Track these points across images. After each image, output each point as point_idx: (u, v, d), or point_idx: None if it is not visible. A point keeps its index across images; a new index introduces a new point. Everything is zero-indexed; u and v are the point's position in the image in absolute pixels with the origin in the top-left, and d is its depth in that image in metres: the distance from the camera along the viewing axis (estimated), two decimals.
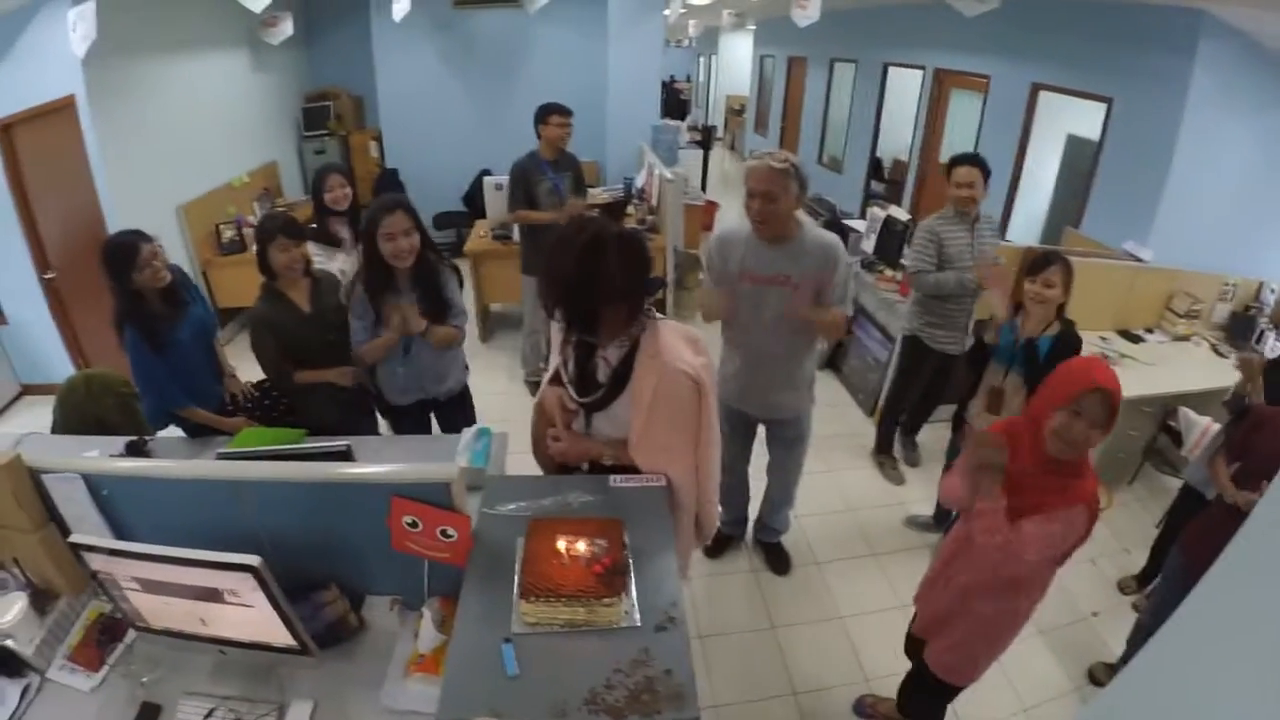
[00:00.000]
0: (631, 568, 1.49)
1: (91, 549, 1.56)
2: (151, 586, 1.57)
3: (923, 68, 7.69)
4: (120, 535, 1.78)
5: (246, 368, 3.05)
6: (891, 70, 8.42)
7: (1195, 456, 3.11)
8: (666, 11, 7.03)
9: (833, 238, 2.59)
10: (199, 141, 5.67)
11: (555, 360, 1.97)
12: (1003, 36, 6.13)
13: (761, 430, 3.10)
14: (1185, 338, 4.32)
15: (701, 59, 19.15)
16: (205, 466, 1.69)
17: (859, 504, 3.87)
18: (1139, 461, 3.97)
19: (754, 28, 14.16)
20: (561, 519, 1.61)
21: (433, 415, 2.99)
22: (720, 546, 3.48)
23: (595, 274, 1.63)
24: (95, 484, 1.74)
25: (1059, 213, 6.13)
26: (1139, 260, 4.44)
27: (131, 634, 1.78)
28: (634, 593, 1.44)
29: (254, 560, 1.44)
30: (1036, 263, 2.74)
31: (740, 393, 2.90)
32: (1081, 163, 5.63)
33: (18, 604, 1.77)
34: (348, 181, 3.73)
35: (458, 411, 3.01)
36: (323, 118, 7.49)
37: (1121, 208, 4.99)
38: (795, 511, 3.44)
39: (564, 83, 6.99)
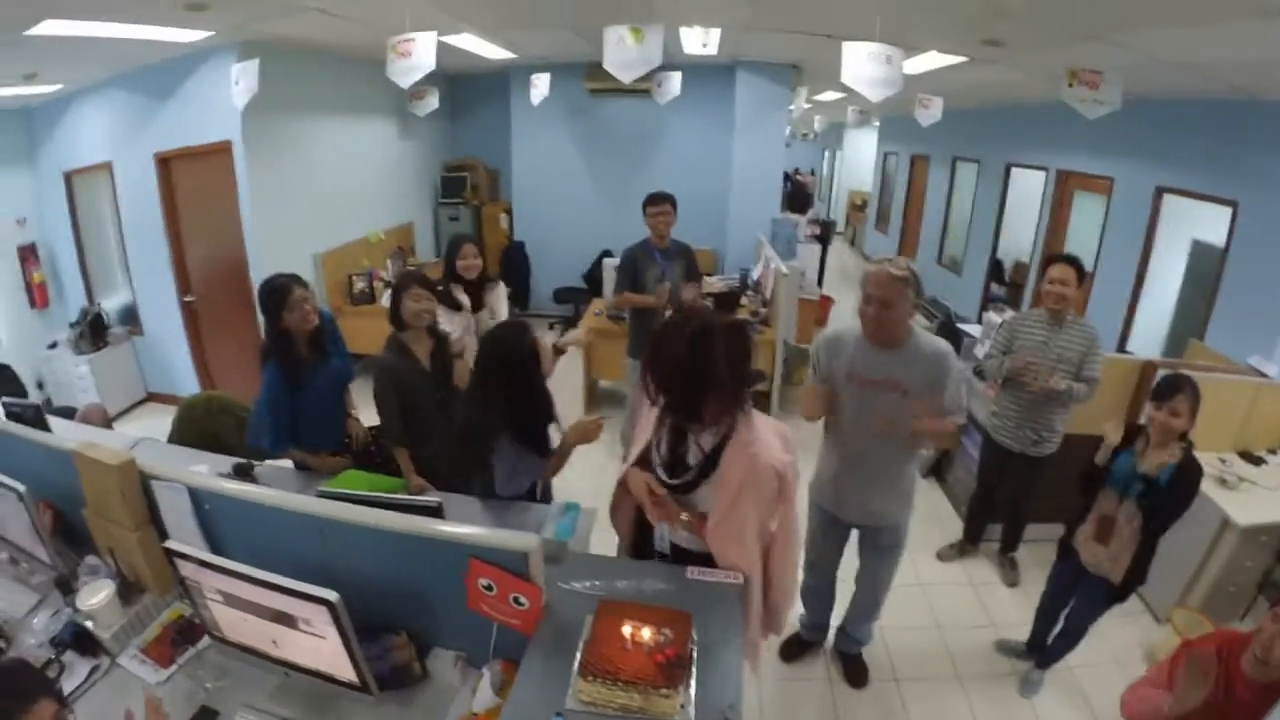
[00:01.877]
0: (695, 662, 1.45)
1: (184, 557, 1.66)
2: (233, 601, 1.66)
3: (1045, 169, 7.50)
4: (213, 548, 1.90)
5: (364, 412, 3.22)
6: (1014, 170, 8.25)
7: None
8: (791, 107, 7.18)
9: (944, 345, 2.52)
10: (342, 196, 6.14)
11: (640, 442, 1.99)
12: (1126, 138, 5.93)
13: (854, 536, 2.98)
14: None
15: (826, 152, 19.33)
16: (301, 501, 1.78)
17: (948, 622, 3.62)
18: (1253, 595, 3.53)
19: (878, 124, 14.23)
20: (632, 604, 1.60)
21: None
22: (798, 651, 3.33)
23: (703, 361, 1.66)
24: (199, 497, 1.87)
25: (1183, 322, 5.72)
26: (1264, 376, 4.08)
27: (206, 641, 1.87)
28: (693, 688, 1.40)
29: (332, 596, 1.50)
30: (1162, 388, 2.56)
31: (836, 495, 2.82)
32: (1207, 270, 5.28)
33: (105, 591, 1.91)
34: (479, 253, 3.90)
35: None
36: (459, 187, 8.01)
37: (1247, 319, 4.63)
38: (880, 623, 3.26)
39: (689, 171, 7.26)
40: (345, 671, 1.62)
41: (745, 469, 1.76)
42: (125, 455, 1.89)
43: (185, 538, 1.90)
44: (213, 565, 1.63)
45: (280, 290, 2.77)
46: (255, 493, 1.86)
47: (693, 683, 1.41)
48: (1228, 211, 4.89)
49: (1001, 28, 4.01)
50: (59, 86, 5.15)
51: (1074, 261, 3.38)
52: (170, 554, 1.69)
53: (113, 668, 1.84)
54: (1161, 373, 3.72)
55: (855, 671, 3.22)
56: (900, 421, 2.49)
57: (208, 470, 2.62)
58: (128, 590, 2.00)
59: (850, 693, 3.16)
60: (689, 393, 1.71)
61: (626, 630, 1.48)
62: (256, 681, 1.81)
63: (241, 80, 4.13)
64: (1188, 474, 2.52)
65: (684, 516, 1.86)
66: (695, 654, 1.47)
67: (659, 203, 4.34)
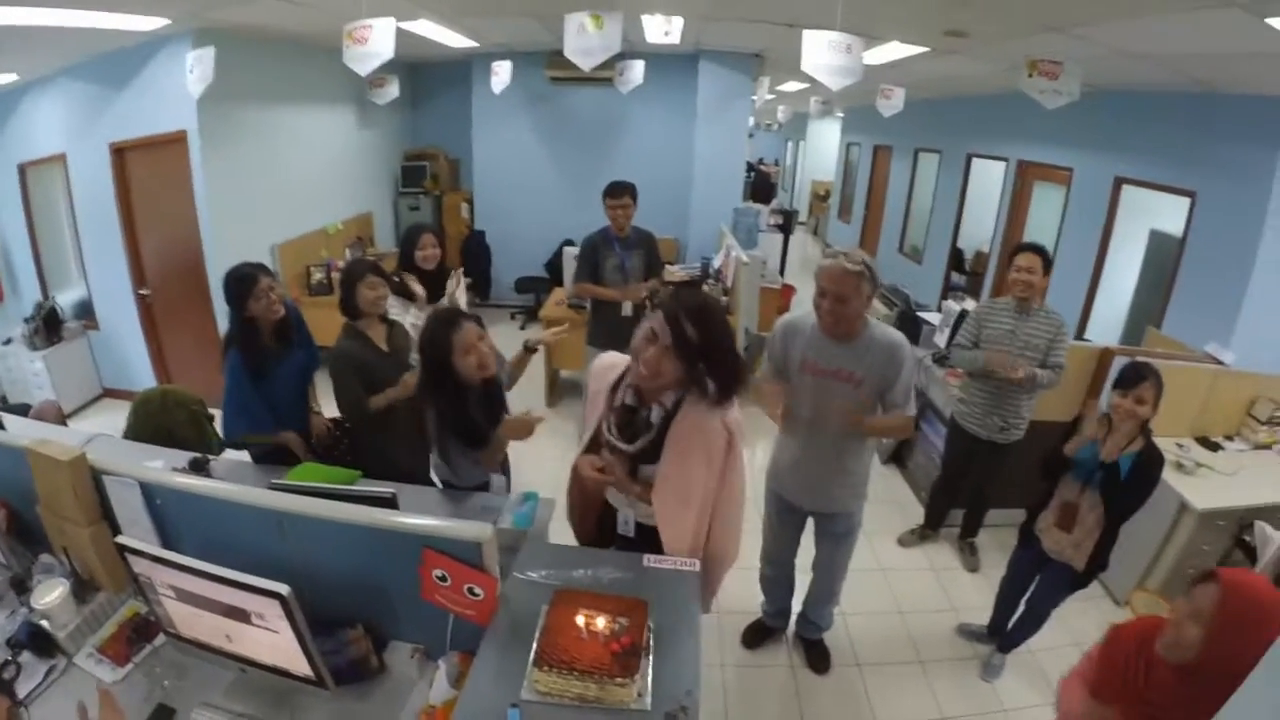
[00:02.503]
0: (651, 650, 1.46)
1: (136, 552, 1.63)
2: (185, 597, 1.63)
3: (1006, 159, 7.62)
4: (167, 544, 1.86)
5: (326, 406, 3.19)
6: (975, 161, 8.37)
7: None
8: (754, 97, 7.20)
9: (898, 336, 2.51)
10: (300, 186, 6.04)
11: (591, 427, 2.00)
12: (1086, 129, 6.03)
13: (810, 524, 3.01)
14: (1266, 446, 4.01)
15: (789, 143, 19.42)
16: (253, 494, 1.75)
17: (910, 607, 3.68)
18: None
19: (841, 115, 14.34)
20: (587, 592, 1.60)
21: None
22: (760, 638, 3.36)
23: (724, 332, 1.79)
24: (151, 492, 1.83)
25: (1140, 311, 5.86)
26: (1220, 363, 4.18)
27: (161, 638, 1.84)
28: (650, 676, 1.40)
29: (283, 589, 1.48)
30: (1127, 376, 2.58)
31: (792, 483, 2.85)
32: (1164, 259, 5.39)
33: (59, 589, 1.87)
34: (439, 243, 3.83)
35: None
36: (420, 176, 7.92)
37: (1204, 307, 4.75)
38: (841, 609, 3.30)
39: (651, 161, 7.26)
40: (300, 666, 1.60)
41: (696, 424, 1.83)
42: (76, 451, 1.84)
43: (138, 534, 1.86)
44: (163, 560, 1.60)
45: (246, 279, 2.76)
46: (206, 486, 1.83)
47: (649, 670, 1.41)
48: (1186, 202, 4.97)
49: (964, 18, 4.04)
50: (13, 77, 5.02)
51: (1040, 250, 3.42)
52: (122, 549, 1.66)
53: (70, 667, 1.81)
54: (1119, 360, 3.80)
55: (817, 657, 3.26)
56: (854, 411, 2.52)
57: (163, 466, 2.57)
58: (82, 588, 1.96)
59: (813, 679, 3.19)
60: (724, 364, 1.79)
61: (582, 619, 1.48)
62: (213, 678, 1.78)
63: (196, 68, 4.02)
64: (1149, 462, 2.56)
65: (636, 488, 1.89)
66: (651, 641, 1.47)
67: (619, 194, 4.30)
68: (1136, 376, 2.55)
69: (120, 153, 5.02)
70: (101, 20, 3.84)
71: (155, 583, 1.65)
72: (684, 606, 1.61)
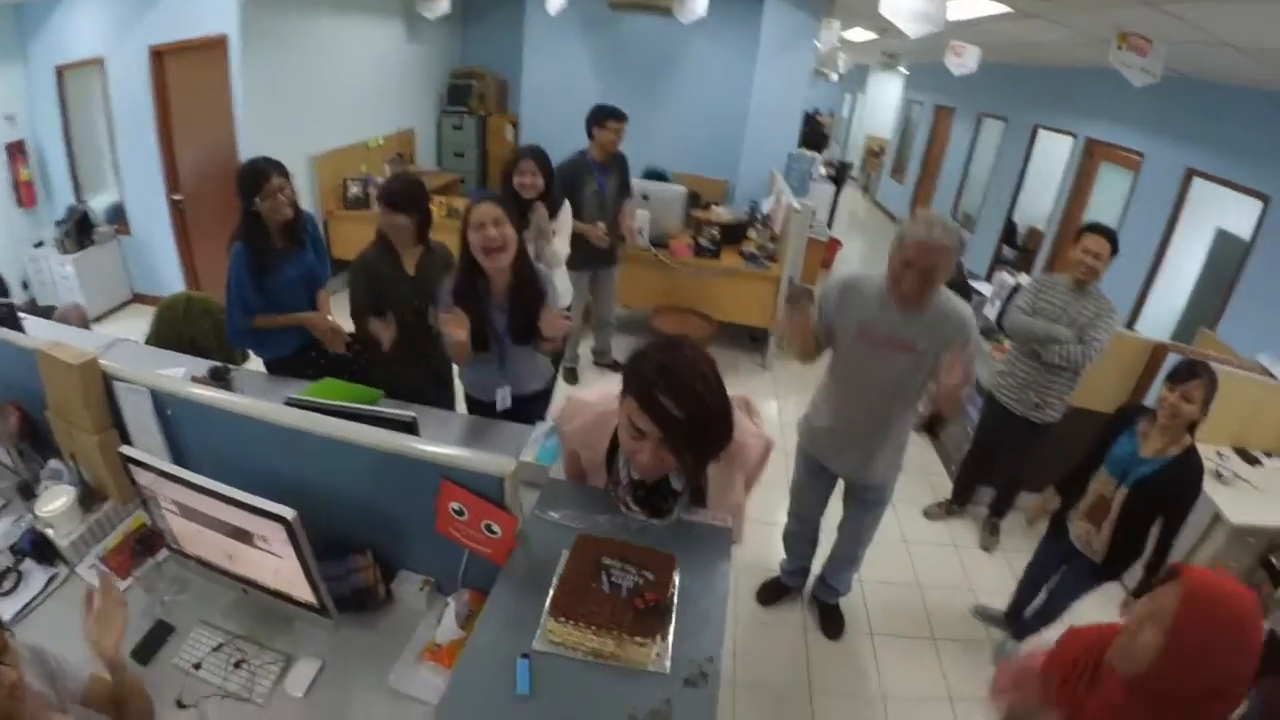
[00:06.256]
0: (674, 610, 1.36)
1: (139, 464, 1.56)
2: (188, 513, 1.56)
3: (1074, 135, 7.26)
4: (177, 457, 1.80)
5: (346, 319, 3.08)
6: (1041, 133, 7.99)
7: None
8: (819, 42, 6.85)
9: (966, 309, 2.32)
10: (341, 99, 5.89)
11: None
12: (1161, 115, 5.72)
13: (839, 486, 2.90)
14: None
15: (847, 95, 18.78)
16: (268, 409, 1.66)
17: (929, 581, 3.59)
18: None
19: (905, 71, 13.77)
20: (613, 540, 1.48)
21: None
22: (775, 595, 3.30)
23: (712, 382, 1.40)
24: (161, 402, 1.75)
25: (1196, 311, 5.62)
26: (1273, 376, 3.99)
27: (165, 553, 1.79)
28: (671, 638, 1.30)
29: (289, 514, 1.40)
30: (1180, 371, 2.42)
31: (829, 449, 2.72)
32: (1228, 261, 5.15)
33: (64, 496, 1.82)
34: (540, 169, 3.57)
35: (538, 407, 2.91)
36: (465, 95, 7.70)
37: (1263, 316, 4.53)
38: (860, 575, 3.22)
39: (706, 97, 6.97)
40: (302, 592, 1.53)
41: (727, 458, 1.55)
42: (87, 355, 1.76)
43: (148, 445, 1.80)
44: (167, 474, 1.52)
45: (257, 175, 2.66)
46: (219, 399, 1.74)
47: (670, 631, 1.31)
48: (1258, 205, 4.74)
49: None
50: None
51: (1111, 235, 3.23)
52: (126, 460, 1.58)
53: (71, 578, 1.76)
54: (1173, 357, 3.64)
55: (831, 621, 3.20)
56: (905, 383, 2.39)
57: (183, 374, 2.52)
58: (89, 497, 1.91)
59: (824, 643, 3.14)
60: (714, 434, 1.43)
61: (604, 570, 1.37)
62: (214, 597, 1.73)
63: None
64: (1184, 468, 2.42)
65: None
66: (676, 601, 1.37)
67: (620, 118, 4.29)
68: (1189, 373, 2.39)
69: (160, 56, 4.91)
70: None
71: (159, 497, 1.59)
72: (713, 565, 1.49)
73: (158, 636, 1.63)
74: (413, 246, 2.79)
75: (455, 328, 2.28)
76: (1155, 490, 2.44)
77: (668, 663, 1.26)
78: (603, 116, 4.28)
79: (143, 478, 1.56)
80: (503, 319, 2.50)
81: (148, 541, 1.83)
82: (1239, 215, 5.05)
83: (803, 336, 2.49)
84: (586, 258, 4.43)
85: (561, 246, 3.74)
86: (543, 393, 2.91)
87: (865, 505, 2.83)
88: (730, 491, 1.65)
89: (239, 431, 1.67)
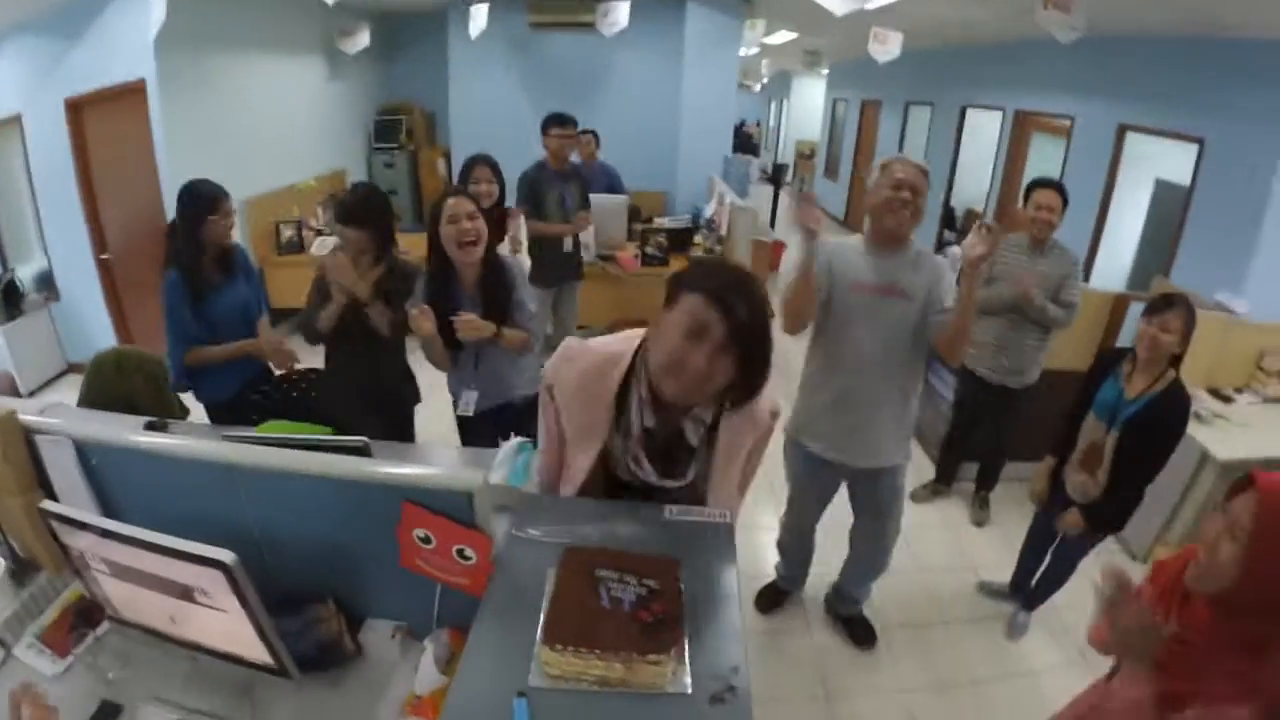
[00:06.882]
0: (685, 620, 1.19)
1: (59, 518, 1.36)
2: (121, 573, 1.36)
3: (1002, 109, 7.38)
4: (109, 514, 1.57)
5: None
6: (969, 112, 8.11)
7: None
8: (742, 52, 6.89)
9: (929, 250, 2.41)
10: (268, 141, 5.70)
11: (554, 444, 1.65)
12: (1087, 76, 5.82)
13: (840, 490, 2.74)
14: (1277, 399, 3.85)
15: (772, 103, 19.09)
16: (198, 447, 1.45)
17: (929, 565, 3.50)
18: None
19: (827, 72, 14.00)
20: (604, 549, 1.31)
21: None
22: (774, 600, 3.15)
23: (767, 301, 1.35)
24: (85, 452, 1.54)
25: (1146, 262, 5.74)
26: (1231, 312, 4.02)
27: (105, 624, 1.57)
28: (687, 651, 1.14)
29: (227, 556, 1.20)
30: (1156, 303, 2.40)
31: (831, 432, 2.49)
32: (1171, 209, 5.27)
33: None
34: (496, 177, 3.50)
35: (527, 422, 2.72)
36: (395, 131, 7.56)
37: (1214, 256, 4.62)
38: None
39: (637, 110, 6.94)
40: (255, 651, 1.32)
41: (741, 425, 1.47)
42: (5, 408, 1.55)
43: (76, 501, 1.57)
44: (87, 525, 1.32)
45: (210, 198, 2.58)
46: (143, 441, 1.53)
47: (685, 644, 1.15)
48: (1193, 149, 4.84)
49: None
50: None
51: (1060, 188, 3.27)
52: (45, 515, 1.38)
53: (8, 660, 1.53)
54: (1135, 306, 3.65)
55: (859, 631, 3.01)
56: (901, 337, 2.32)
57: None
58: (21, 570, 1.69)
59: (835, 646, 3.00)
60: (766, 352, 1.34)
61: (600, 583, 1.21)
62: (165, 669, 1.50)
63: (154, 8, 3.74)
64: (1170, 403, 2.37)
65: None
66: (686, 610, 1.21)
67: (564, 124, 4.24)
68: (1165, 303, 2.38)
69: (77, 109, 4.70)
70: None
71: (88, 556, 1.38)
72: (718, 565, 1.33)
73: (104, 719, 1.41)
74: (370, 270, 2.60)
75: (422, 320, 2.32)
76: (1144, 427, 2.38)
77: (687, 680, 1.10)
78: (546, 125, 4.27)
79: (68, 537, 1.36)
80: (476, 312, 2.46)
81: (87, 614, 1.60)
82: (1176, 162, 5.16)
83: (806, 276, 2.31)
84: (554, 274, 4.40)
85: (523, 258, 3.70)
86: (534, 401, 2.72)
87: (881, 505, 2.64)
88: (737, 457, 1.52)
89: (170, 477, 1.47)
